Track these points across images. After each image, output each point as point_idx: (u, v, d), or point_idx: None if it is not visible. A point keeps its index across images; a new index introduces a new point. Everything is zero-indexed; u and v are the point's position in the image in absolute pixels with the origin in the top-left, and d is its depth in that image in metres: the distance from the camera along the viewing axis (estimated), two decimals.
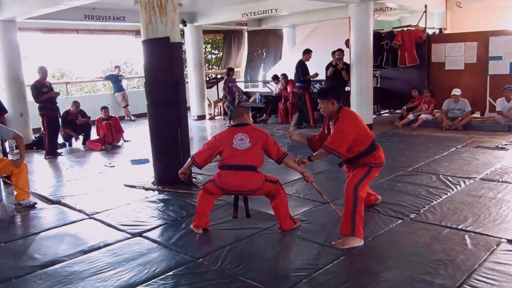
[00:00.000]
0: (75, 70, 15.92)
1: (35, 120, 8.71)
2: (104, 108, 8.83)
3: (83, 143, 8.81)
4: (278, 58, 15.27)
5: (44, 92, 7.70)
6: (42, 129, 8.24)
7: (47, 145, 7.91)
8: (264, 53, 15.72)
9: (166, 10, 5.28)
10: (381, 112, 11.17)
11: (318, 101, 3.84)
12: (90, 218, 4.61)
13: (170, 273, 3.30)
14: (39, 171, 6.99)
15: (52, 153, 7.89)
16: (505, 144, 6.89)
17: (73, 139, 8.94)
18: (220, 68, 15.56)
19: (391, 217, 4.12)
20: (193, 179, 5.66)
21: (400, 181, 5.18)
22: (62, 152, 8.22)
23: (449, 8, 12.77)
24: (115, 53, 15.74)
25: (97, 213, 4.71)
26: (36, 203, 5.05)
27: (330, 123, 3.83)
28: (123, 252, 3.72)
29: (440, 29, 11.40)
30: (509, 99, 8.13)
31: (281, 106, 10.43)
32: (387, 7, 10.34)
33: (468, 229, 3.76)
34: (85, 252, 3.76)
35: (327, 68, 9.60)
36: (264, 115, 10.84)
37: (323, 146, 3.73)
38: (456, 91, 8.52)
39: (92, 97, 12.63)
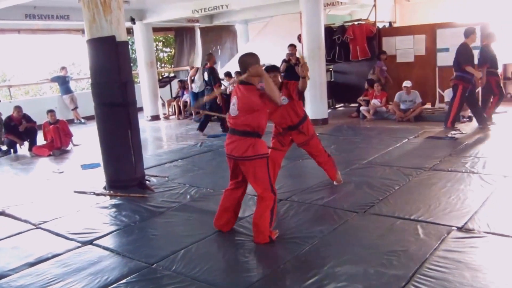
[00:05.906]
0: (19, 73, 15.18)
1: None
2: (51, 112, 8.41)
3: (29, 150, 8.37)
4: (234, 54, 15.16)
5: None
6: None
7: None
8: (219, 50, 15.56)
9: (111, 8, 5.08)
10: (336, 106, 11.32)
11: (271, 75, 3.87)
12: (37, 228, 4.36)
13: (123, 281, 3.18)
14: None
15: None
16: (454, 134, 7.13)
17: (18, 146, 8.49)
18: (172, 66, 15.27)
19: (347, 211, 4.15)
20: (147, 182, 5.49)
21: (355, 174, 5.24)
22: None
23: (397, 1, 13.12)
24: (61, 54, 15.11)
25: (45, 222, 4.46)
26: None
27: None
28: (73, 262, 3.54)
29: (390, 23, 11.68)
30: None
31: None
32: (338, 2, 10.46)
33: (420, 219, 3.84)
34: (31, 264, 3.55)
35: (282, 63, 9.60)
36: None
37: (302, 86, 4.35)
38: (407, 83, 8.74)
39: (38, 101, 12.06)
